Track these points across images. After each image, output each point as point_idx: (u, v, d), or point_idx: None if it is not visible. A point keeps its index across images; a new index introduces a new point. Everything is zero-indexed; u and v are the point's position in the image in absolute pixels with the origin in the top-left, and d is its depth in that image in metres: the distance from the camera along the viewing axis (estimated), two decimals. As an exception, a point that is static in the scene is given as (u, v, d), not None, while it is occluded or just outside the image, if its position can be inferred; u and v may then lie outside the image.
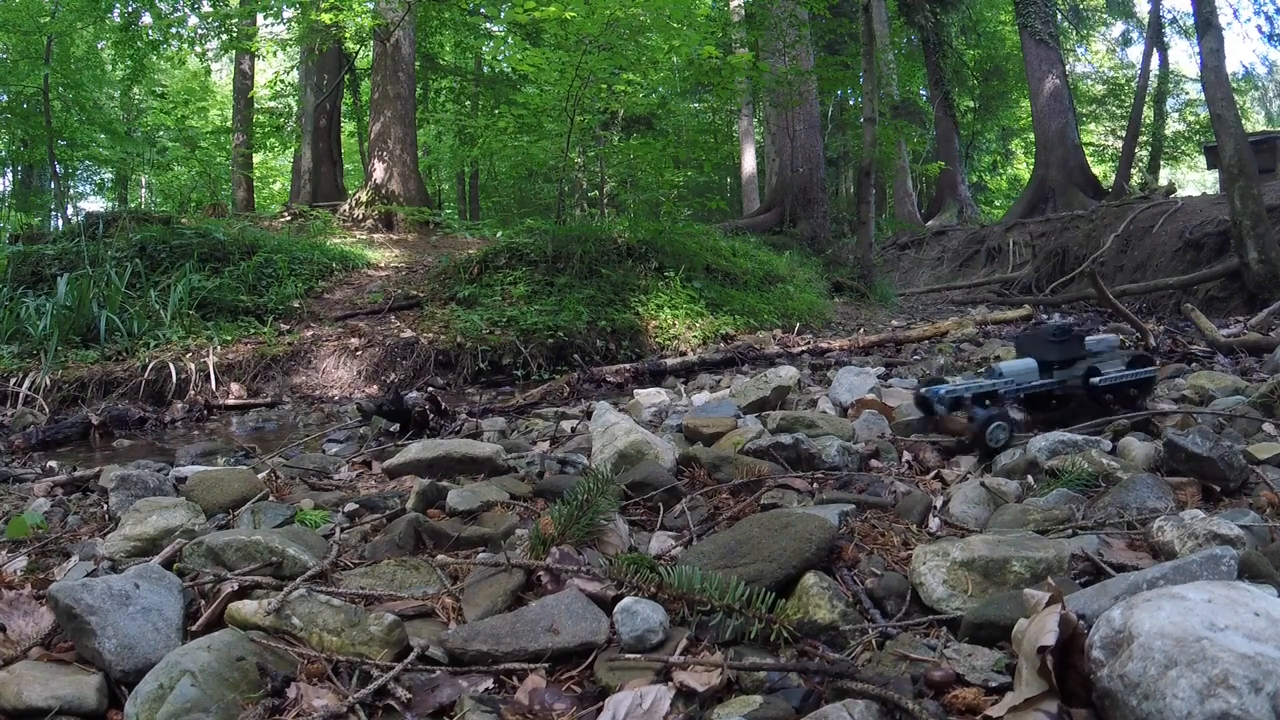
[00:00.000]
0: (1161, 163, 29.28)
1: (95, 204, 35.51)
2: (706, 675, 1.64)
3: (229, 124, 26.05)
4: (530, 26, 14.54)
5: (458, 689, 1.68)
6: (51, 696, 1.65)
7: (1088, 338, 3.88)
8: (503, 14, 17.78)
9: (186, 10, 19.20)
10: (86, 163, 30.64)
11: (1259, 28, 33.84)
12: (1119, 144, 29.49)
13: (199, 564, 2.31)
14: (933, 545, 2.09)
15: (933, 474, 3.09)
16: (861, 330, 10.18)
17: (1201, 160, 26.25)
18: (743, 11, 20.00)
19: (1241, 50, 79.31)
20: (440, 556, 2.36)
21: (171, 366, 7.15)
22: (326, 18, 13.65)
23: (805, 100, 18.26)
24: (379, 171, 16.20)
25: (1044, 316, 11.02)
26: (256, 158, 26.81)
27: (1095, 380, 3.62)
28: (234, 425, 6.54)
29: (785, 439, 3.24)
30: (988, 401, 3.47)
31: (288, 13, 18.71)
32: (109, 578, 1.93)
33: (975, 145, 36.70)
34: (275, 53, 18.40)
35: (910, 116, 25.72)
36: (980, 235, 20.30)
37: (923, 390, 3.65)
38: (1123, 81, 35.50)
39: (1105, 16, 34.99)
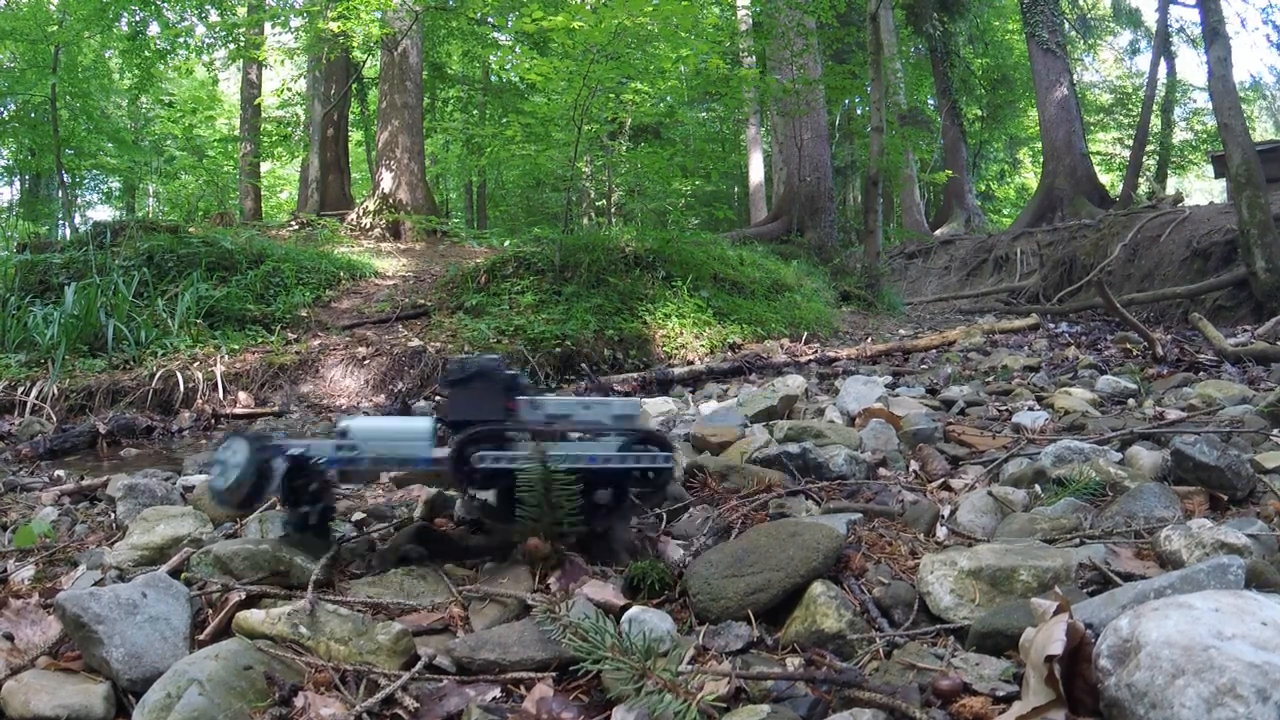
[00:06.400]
0: (1169, 172, 29.23)
1: (103, 213, 35.74)
2: (714, 685, 1.64)
3: (236, 133, 26.18)
4: (538, 36, 14.60)
5: (465, 698, 1.68)
6: (59, 705, 1.65)
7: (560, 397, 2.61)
8: (510, 23, 17.82)
9: (194, 19, 19.30)
10: (94, 171, 30.79)
11: (1267, 36, 33.86)
12: (1126, 153, 29.46)
13: (206, 573, 2.31)
14: (940, 554, 2.09)
15: (940, 483, 3.08)
16: (869, 339, 10.17)
17: (1209, 169, 26.24)
18: (750, 21, 20.05)
19: (1249, 59, 79.12)
20: (448, 565, 2.36)
21: (179, 375, 7.16)
22: (334, 26, 13.70)
23: (812, 109, 18.29)
24: (386, 180, 16.26)
25: (1051, 325, 11.00)
26: (264, 166, 26.92)
27: (475, 459, 2.28)
28: (241, 434, 6.55)
29: (793, 448, 3.23)
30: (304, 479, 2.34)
31: (295, 21, 18.79)
32: (116, 587, 1.94)
33: (983, 154, 36.74)
34: (282, 62, 18.48)
35: (918, 125, 25.70)
36: (988, 244, 20.29)
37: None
38: (1130, 90, 35.52)
39: (1113, 25, 34.99)
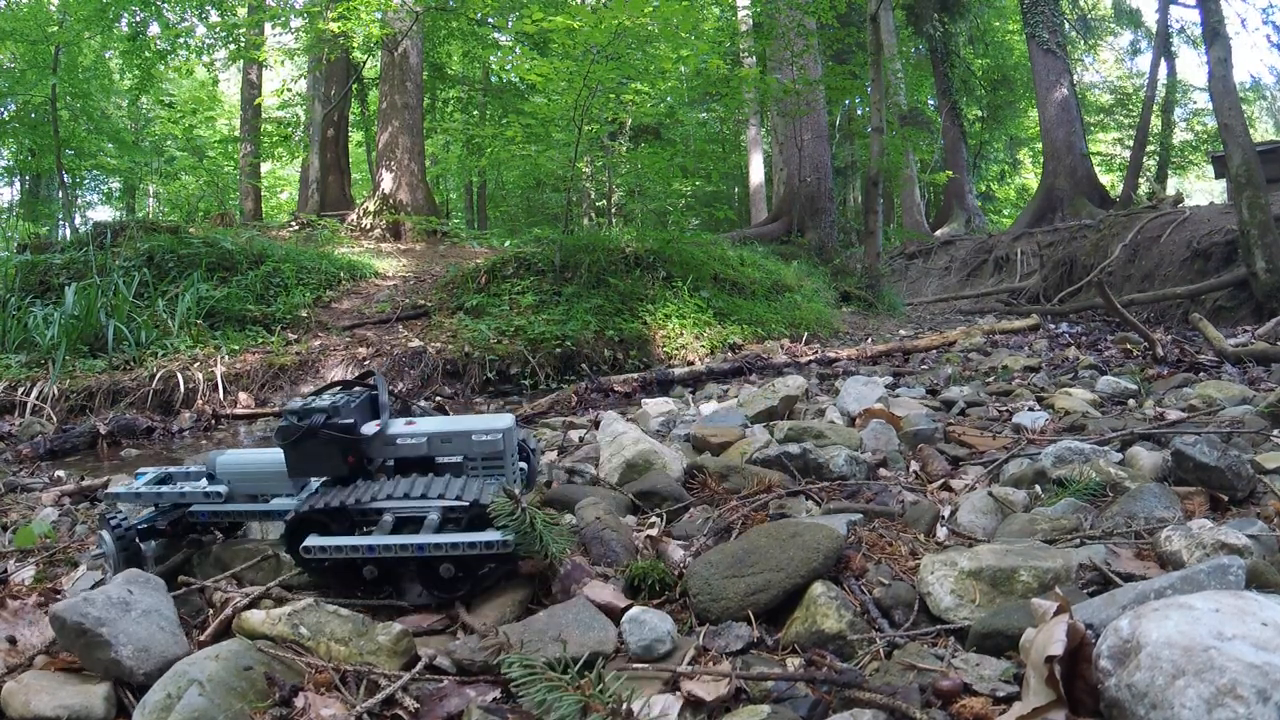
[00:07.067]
0: (1169, 172, 29.22)
1: (103, 213, 35.75)
2: (714, 685, 1.64)
3: (236, 133, 26.16)
4: (538, 36, 14.61)
5: (465, 698, 1.68)
6: (59, 705, 1.65)
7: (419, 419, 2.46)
8: (510, 24, 17.81)
9: (194, 20, 19.30)
10: (94, 172, 30.77)
11: (1267, 36, 33.85)
12: (1127, 153, 29.46)
13: (207, 573, 2.31)
14: (940, 555, 2.08)
15: (940, 483, 3.08)
16: (869, 339, 10.17)
17: (1209, 169, 26.22)
18: (750, 21, 20.04)
19: (1249, 59, 78.93)
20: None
21: (179, 376, 7.16)
22: (334, 27, 13.70)
23: (813, 110, 18.27)
24: (387, 181, 16.25)
25: (1051, 326, 11.00)
26: (264, 167, 26.92)
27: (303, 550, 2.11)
28: (242, 435, 6.55)
29: (793, 448, 3.23)
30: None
31: (295, 22, 18.78)
32: (104, 588, 1.92)
33: (983, 154, 36.73)
34: (282, 62, 18.48)
35: (918, 126, 25.67)
36: (988, 245, 20.29)
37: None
38: (1130, 91, 35.53)
39: (1113, 26, 34.97)
